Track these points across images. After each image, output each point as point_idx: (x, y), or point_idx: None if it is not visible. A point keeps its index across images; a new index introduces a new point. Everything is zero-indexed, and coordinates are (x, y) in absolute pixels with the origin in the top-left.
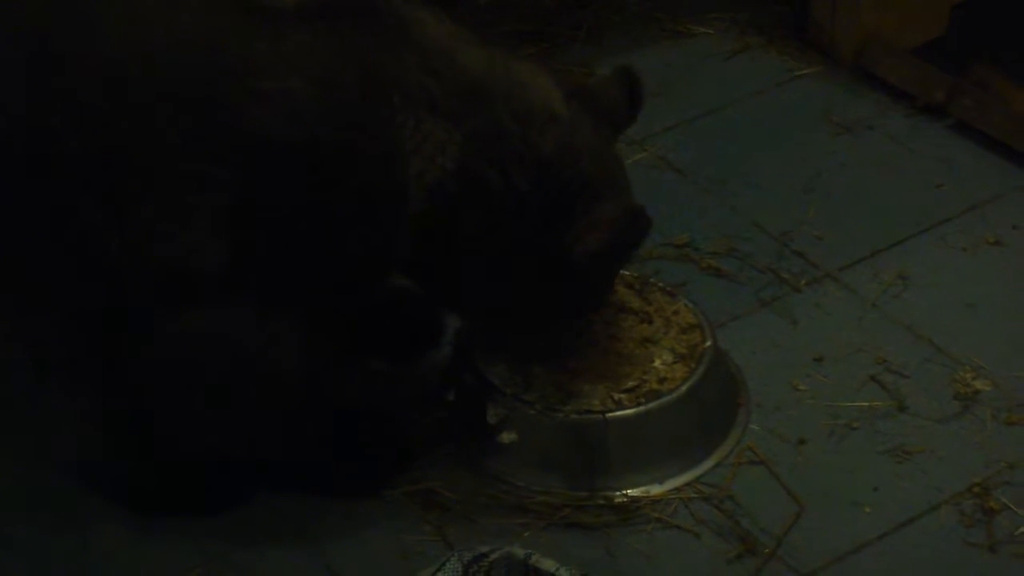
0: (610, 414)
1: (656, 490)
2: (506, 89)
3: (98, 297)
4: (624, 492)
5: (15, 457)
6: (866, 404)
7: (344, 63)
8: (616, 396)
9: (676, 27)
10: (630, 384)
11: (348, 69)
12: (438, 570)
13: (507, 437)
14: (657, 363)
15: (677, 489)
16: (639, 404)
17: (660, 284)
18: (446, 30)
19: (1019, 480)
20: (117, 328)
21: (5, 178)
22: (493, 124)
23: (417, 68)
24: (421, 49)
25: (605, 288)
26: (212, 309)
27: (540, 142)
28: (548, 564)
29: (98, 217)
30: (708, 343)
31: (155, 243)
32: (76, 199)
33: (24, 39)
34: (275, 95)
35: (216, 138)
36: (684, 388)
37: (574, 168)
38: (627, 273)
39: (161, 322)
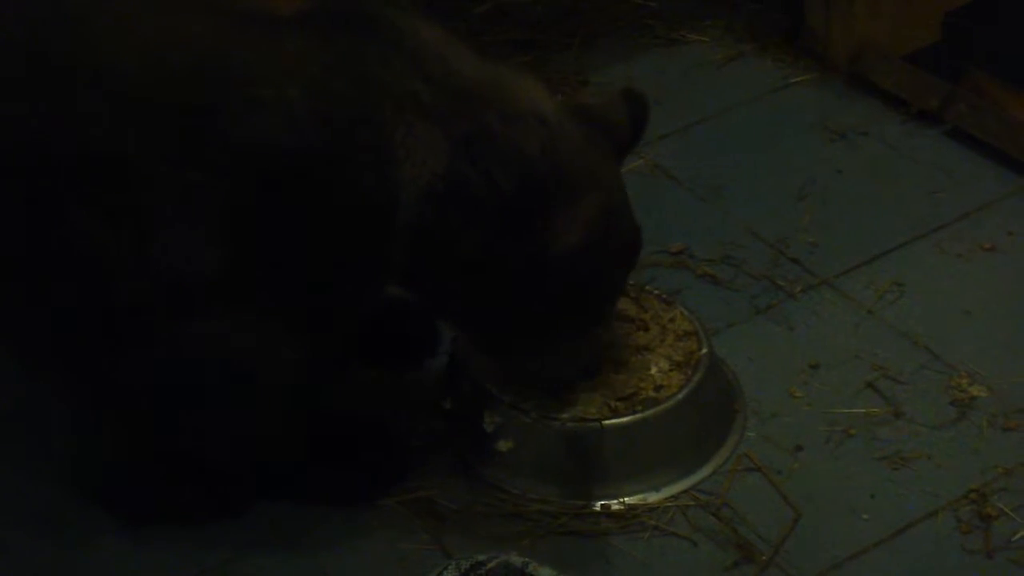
0: (606, 422)
1: (653, 498)
2: (496, 93)
3: (91, 304)
4: (621, 500)
5: (11, 466)
6: (863, 411)
7: (338, 71)
8: (612, 404)
9: (670, 34)
10: (626, 392)
11: (342, 77)
12: None
13: (503, 445)
14: (653, 371)
15: (674, 497)
16: (635, 412)
17: (656, 291)
18: (439, 37)
19: (1016, 486)
20: (111, 335)
21: None
22: (481, 127)
23: (410, 74)
24: (414, 56)
25: (600, 299)
26: (208, 316)
27: (524, 143)
28: (545, 572)
29: (93, 224)
30: (704, 350)
31: (152, 250)
32: (70, 206)
33: (20, 47)
34: (272, 103)
35: (214, 145)
36: (680, 396)
37: (557, 169)
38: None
39: (157, 329)
